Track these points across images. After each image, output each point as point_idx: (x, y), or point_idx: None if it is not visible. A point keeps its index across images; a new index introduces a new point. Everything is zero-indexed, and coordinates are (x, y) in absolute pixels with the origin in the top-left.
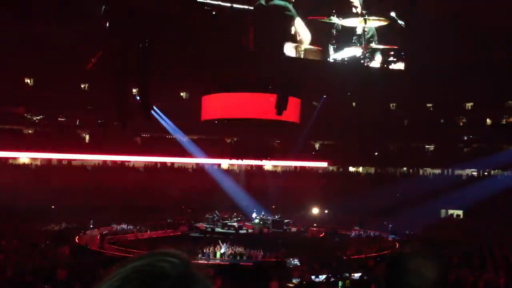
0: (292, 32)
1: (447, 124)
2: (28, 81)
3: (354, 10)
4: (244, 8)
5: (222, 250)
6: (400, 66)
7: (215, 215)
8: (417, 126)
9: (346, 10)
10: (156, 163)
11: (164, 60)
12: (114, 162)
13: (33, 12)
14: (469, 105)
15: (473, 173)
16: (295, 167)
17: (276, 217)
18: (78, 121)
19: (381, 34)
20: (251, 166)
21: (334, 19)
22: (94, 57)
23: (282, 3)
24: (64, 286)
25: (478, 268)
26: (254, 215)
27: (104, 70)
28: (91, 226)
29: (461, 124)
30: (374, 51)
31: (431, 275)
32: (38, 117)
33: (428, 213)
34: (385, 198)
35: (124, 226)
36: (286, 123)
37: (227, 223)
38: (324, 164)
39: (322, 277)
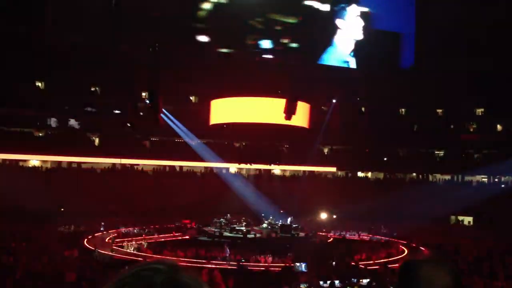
0: None
1: (458, 129)
2: (39, 84)
3: None
4: None
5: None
6: None
7: (223, 220)
8: (427, 132)
9: None
10: (165, 166)
11: (174, 64)
12: (123, 165)
13: (44, 17)
14: (479, 111)
15: (483, 179)
16: (304, 171)
17: (288, 220)
18: (88, 124)
19: None
20: (260, 170)
21: None
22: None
23: None
24: None
25: (488, 276)
26: (270, 218)
27: (116, 73)
28: (102, 228)
29: (472, 130)
30: None
31: (442, 283)
32: (48, 120)
33: (437, 218)
34: (392, 204)
35: (132, 229)
36: (295, 128)
37: (235, 227)
38: (333, 169)
39: (328, 282)
